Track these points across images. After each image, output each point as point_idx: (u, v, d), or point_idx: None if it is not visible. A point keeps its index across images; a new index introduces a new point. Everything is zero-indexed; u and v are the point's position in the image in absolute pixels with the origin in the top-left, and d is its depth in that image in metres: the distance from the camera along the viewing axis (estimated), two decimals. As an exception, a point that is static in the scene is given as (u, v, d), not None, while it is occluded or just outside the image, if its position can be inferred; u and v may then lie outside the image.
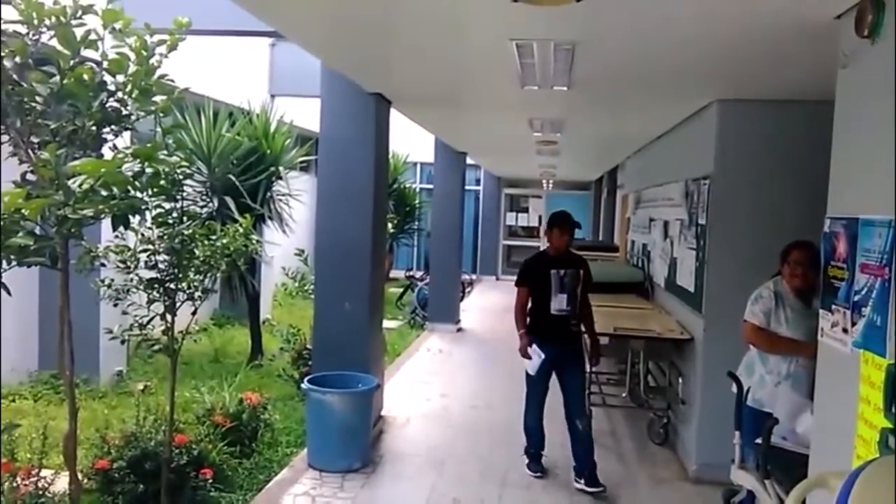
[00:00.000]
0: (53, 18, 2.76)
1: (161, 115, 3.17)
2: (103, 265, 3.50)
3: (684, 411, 5.40)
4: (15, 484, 3.60)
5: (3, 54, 2.69)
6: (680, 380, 5.54)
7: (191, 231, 3.58)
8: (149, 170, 3.03)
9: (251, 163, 7.57)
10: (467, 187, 12.97)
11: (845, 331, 2.50)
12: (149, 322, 3.59)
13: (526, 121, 6.55)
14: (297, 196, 8.12)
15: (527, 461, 5.04)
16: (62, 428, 3.77)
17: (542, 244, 19.09)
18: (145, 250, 3.49)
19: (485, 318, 11.89)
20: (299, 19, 3.54)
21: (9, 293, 2.65)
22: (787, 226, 4.14)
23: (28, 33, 2.77)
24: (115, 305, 3.62)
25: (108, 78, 2.95)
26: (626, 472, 5.09)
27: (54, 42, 2.80)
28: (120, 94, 2.98)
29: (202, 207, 7.10)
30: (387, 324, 8.17)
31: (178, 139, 3.75)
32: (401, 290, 12.89)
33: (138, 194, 3.02)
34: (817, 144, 3.13)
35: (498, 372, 8.11)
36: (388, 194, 9.58)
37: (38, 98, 2.78)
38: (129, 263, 3.50)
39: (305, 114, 8.80)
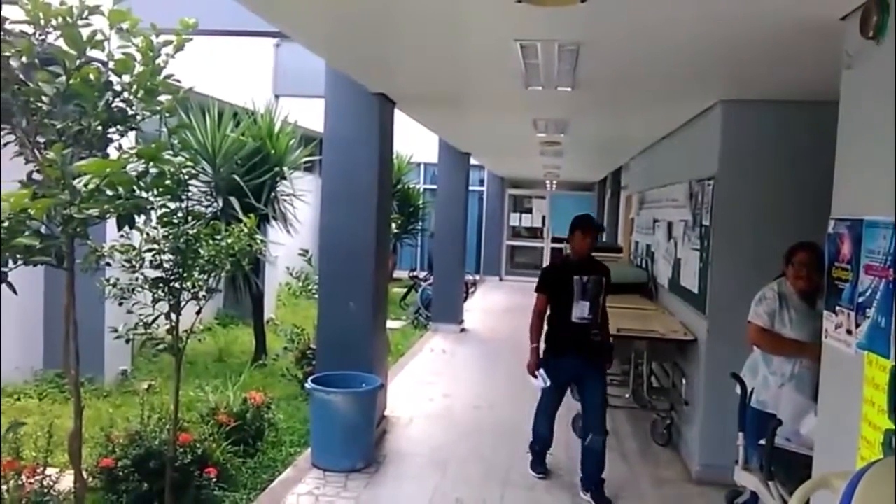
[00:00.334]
0: (60, 19, 2.77)
1: (166, 115, 3.18)
2: (108, 264, 3.51)
3: (688, 412, 5.39)
4: (20, 482, 3.61)
5: (9, 54, 2.70)
6: (683, 381, 5.54)
7: (195, 231, 3.59)
8: (154, 170, 3.05)
9: (255, 163, 7.60)
10: (471, 188, 12.99)
11: (849, 332, 2.49)
12: (153, 321, 3.60)
13: (530, 121, 6.55)
14: (302, 196, 8.14)
15: (531, 458, 5.00)
16: (67, 426, 3.79)
17: (546, 245, 19.02)
18: (150, 250, 3.50)
19: (488, 318, 11.90)
20: (303, 19, 3.55)
21: (14, 292, 2.67)
22: (791, 227, 4.13)
23: (34, 33, 2.79)
24: (120, 305, 3.64)
25: (113, 78, 2.96)
26: (629, 473, 5.08)
27: (60, 42, 2.81)
28: (126, 95, 2.99)
29: (207, 207, 7.14)
30: (390, 324, 8.18)
31: (183, 139, 3.77)
32: (404, 290, 12.89)
33: (143, 194, 3.03)
34: (821, 145, 3.13)
35: (501, 372, 8.12)
36: (392, 194, 9.61)
37: (44, 98, 2.79)
38: (134, 263, 3.51)
39: (310, 114, 8.81)
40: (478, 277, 16.11)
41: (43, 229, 2.79)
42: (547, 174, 14.50)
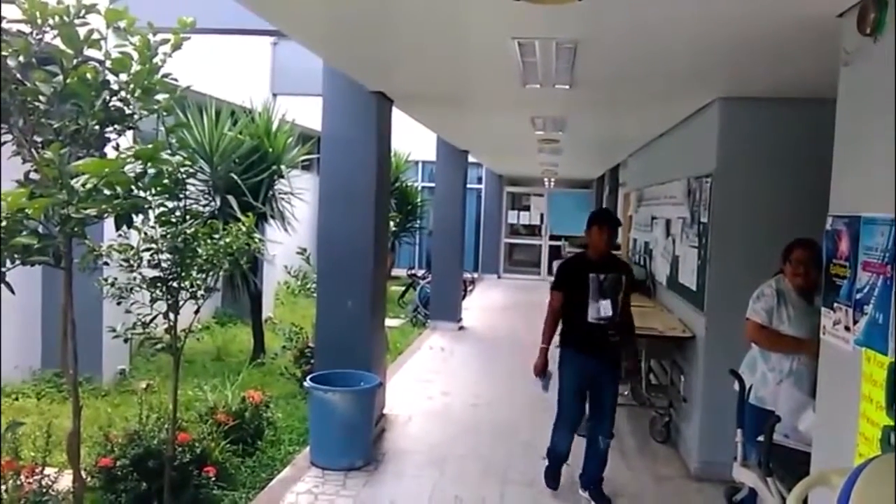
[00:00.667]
0: (57, 18, 2.76)
1: (164, 114, 3.17)
2: (106, 264, 3.51)
3: (686, 409, 5.40)
4: (19, 482, 3.61)
5: (6, 53, 2.69)
6: (682, 378, 5.55)
7: (193, 230, 3.59)
8: (152, 169, 3.04)
9: (253, 161, 7.59)
10: (469, 185, 12.97)
11: (847, 329, 2.50)
12: (152, 320, 3.60)
13: (528, 119, 6.55)
14: (300, 194, 8.14)
15: (545, 466, 4.72)
16: (65, 426, 3.79)
17: (545, 242, 19.02)
18: (148, 249, 3.49)
19: (486, 316, 11.91)
20: (301, 18, 3.55)
21: (12, 291, 2.66)
22: (789, 224, 4.13)
23: (31, 32, 2.78)
24: (119, 304, 3.64)
25: (111, 77, 2.95)
26: (628, 470, 5.09)
27: (57, 41, 2.81)
28: (123, 94, 2.98)
29: (205, 206, 7.12)
30: (389, 322, 8.18)
31: (181, 138, 3.77)
32: (403, 288, 12.90)
33: (141, 193, 3.03)
34: (819, 142, 3.13)
35: (499, 370, 8.13)
36: (390, 193, 9.59)
37: (41, 97, 2.78)
38: (132, 262, 3.51)
39: (307, 112, 8.81)
40: (476, 275, 16.11)
41: (41, 229, 2.79)
42: (545, 172, 14.50)
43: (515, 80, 4.48)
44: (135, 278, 3.56)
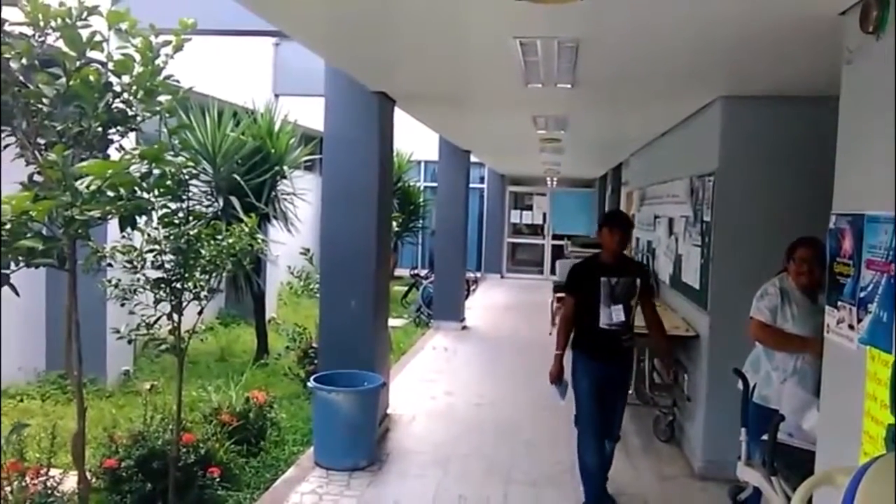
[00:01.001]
0: (59, 20, 2.77)
1: (166, 115, 3.18)
2: (110, 265, 3.52)
3: (690, 408, 5.40)
4: (24, 483, 3.62)
5: (9, 56, 2.70)
6: (685, 377, 5.54)
7: (196, 231, 3.59)
8: (155, 171, 3.05)
9: (256, 162, 7.59)
10: (471, 185, 12.98)
11: (851, 327, 2.49)
12: (155, 322, 3.61)
13: (530, 118, 6.55)
14: (302, 195, 8.14)
15: (585, 492, 4.41)
16: (70, 427, 3.80)
17: (547, 242, 19.00)
18: (152, 250, 3.50)
19: (489, 315, 11.90)
20: (303, 18, 3.55)
21: (17, 293, 2.67)
22: (793, 222, 4.12)
23: (34, 35, 2.79)
24: (122, 305, 3.64)
25: (113, 79, 2.96)
26: (631, 469, 5.08)
27: (60, 43, 2.82)
28: (125, 95, 3.00)
29: (208, 207, 7.13)
30: (392, 322, 8.18)
31: (184, 139, 3.78)
32: (406, 288, 12.90)
33: (145, 195, 3.04)
34: (822, 140, 3.13)
35: (502, 369, 8.13)
36: (393, 193, 9.60)
37: (44, 99, 2.80)
38: (135, 263, 3.52)
39: (310, 113, 8.81)
40: (479, 275, 16.10)
41: (45, 231, 2.80)
42: (547, 171, 14.49)
43: (517, 80, 4.48)
44: (138, 279, 3.57)
